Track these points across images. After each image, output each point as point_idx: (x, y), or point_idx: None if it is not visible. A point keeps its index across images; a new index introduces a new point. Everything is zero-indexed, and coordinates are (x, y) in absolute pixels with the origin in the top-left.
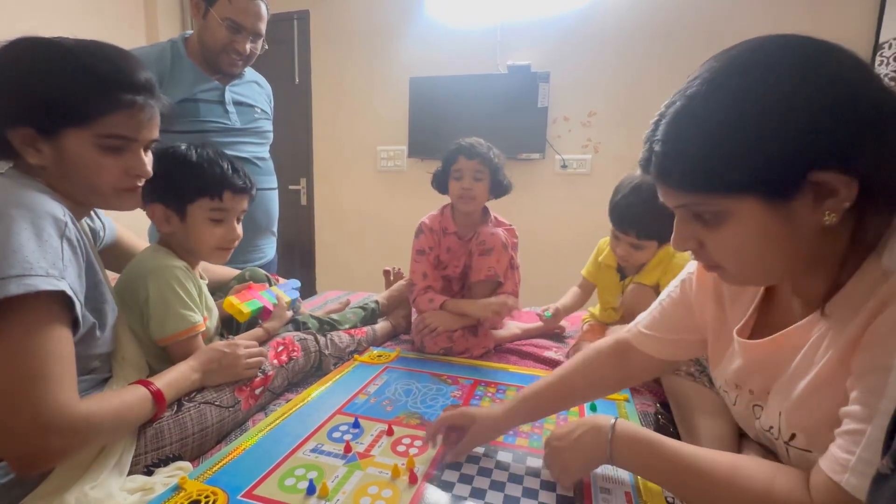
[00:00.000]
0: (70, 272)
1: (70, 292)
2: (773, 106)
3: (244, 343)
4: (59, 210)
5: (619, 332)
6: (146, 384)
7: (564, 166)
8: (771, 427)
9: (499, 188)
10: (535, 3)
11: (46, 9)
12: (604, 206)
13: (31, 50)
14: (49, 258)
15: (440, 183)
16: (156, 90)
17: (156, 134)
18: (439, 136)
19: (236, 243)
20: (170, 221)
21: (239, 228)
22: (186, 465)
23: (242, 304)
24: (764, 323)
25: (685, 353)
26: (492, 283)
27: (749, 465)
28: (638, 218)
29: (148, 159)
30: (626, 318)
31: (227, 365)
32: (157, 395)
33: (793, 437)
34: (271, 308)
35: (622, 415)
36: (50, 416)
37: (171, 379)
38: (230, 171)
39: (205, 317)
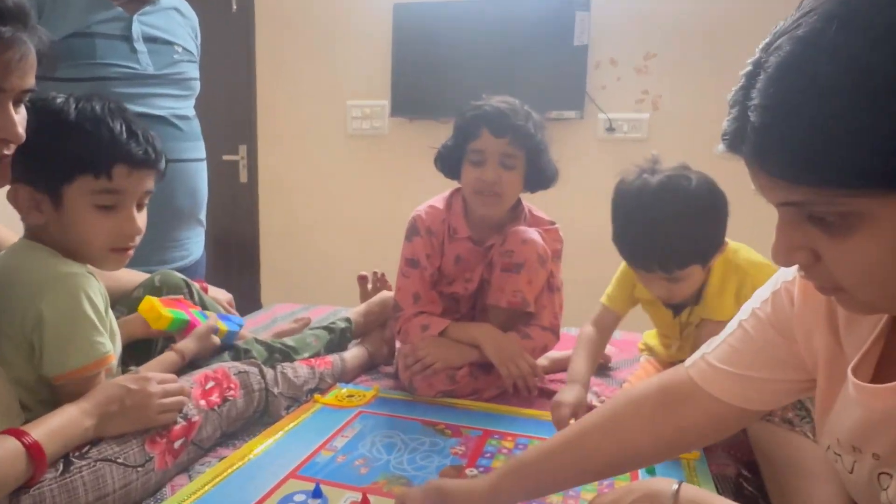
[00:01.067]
0: None
1: None
2: None
3: (157, 376)
4: None
5: (668, 370)
6: (17, 434)
7: (611, 129)
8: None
9: (538, 179)
10: None
11: None
12: None
13: None
14: None
15: (449, 165)
16: (29, 20)
17: (30, 82)
18: (434, 88)
19: (137, 240)
20: (40, 208)
21: (141, 218)
22: None
23: (164, 308)
24: (892, 360)
25: (775, 400)
26: (515, 312)
27: None
28: (655, 250)
29: (20, 117)
30: None
31: (133, 406)
32: (34, 450)
33: None
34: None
35: (690, 480)
36: None
37: (53, 427)
38: (124, 135)
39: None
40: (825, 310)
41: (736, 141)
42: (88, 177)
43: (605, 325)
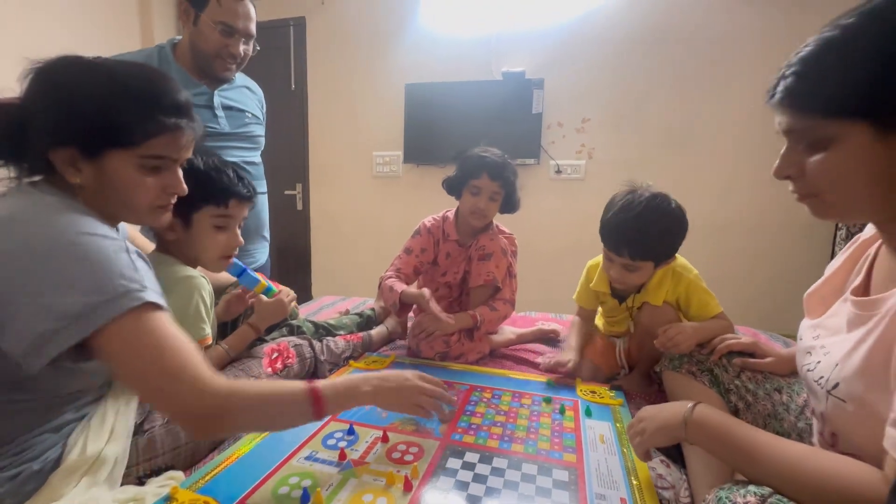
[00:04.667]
0: (149, 281)
1: (159, 300)
2: None
3: (428, 378)
4: (111, 231)
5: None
6: (309, 382)
7: (559, 172)
8: (822, 377)
9: (509, 206)
10: (528, 12)
11: (42, 11)
12: (598, 211)
13: (75, 70)
14: (128, 275)
15: (452, 188)
16: (193, 111)
17: (191, 153)
18: (435, 142)
19: (237, 251)
20: (174, 229)
21: (240, 235)
22: (178, 474)
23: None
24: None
25: None
26: (490, 287)
27: (819, 455)
28: (631, 237)
29: (181, 176)
30: (642, 340)
31: (402, 388)
32: (314, 396)
33: (836, 386)
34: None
35: (616, 419)
36: (203, 384)
37: (338, 384)
38: (236, 179)
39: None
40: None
41: (773, 91)
42: (212, 206)
43: (583, 315)
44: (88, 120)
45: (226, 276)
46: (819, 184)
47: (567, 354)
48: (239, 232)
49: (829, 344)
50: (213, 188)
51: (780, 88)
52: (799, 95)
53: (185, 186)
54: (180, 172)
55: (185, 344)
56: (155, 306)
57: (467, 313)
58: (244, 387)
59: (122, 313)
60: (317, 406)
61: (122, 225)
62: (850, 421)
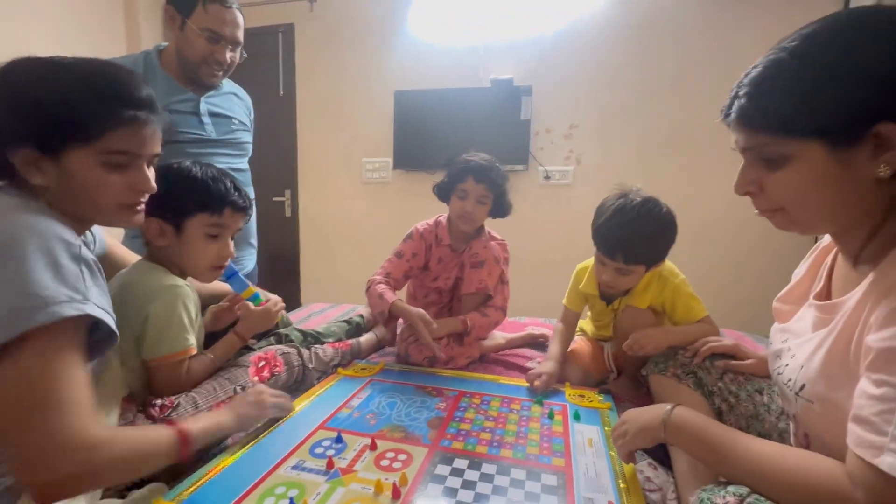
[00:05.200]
0: (94, 293)
1: (99, 312)
2: (851, 62)
3: (268, 390)
4: (69, 234)
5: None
6: (170, 424)
7: (547, 177)
8: (790, 379)
9: (499, 211)
10: (516, 21)
11: (25, 16)
12: (586, 216)
13: (31, 69)
14: (70, 283)
15: (442, 194)
16: (156, 105)
17: (158, 149)
18: (424, 149)
19: (228, 261)
20: (165, 235)
21: (232, 246)
22: (161, 486)
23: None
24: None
25: None
26: (482, 295)
27: (791, 453)
28: (625, 241)
29: (151, 175)
30: (621, 341)
31: (253, 401)
32: (182, 439)
33: (802, 387)
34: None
35: (605, 423)
36: (65, 438)
37: (202, 425)
38: (232, 189)
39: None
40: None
41: (727, 111)
42: (206, 214)
43: (568, 319)
44: (43, 116)
45: (219, 287)
46: (779, 200)
47: (544, 366)
48: (231, 243)
49: (794, 346)
50: (209, 195)
51: (734, 108)
52: (753, 116)
53: (153, 184)
54: (151, 171)
55: (74, 383)
56: (73, 324)
57: (457, 318)
58: (116, 434)
59: (37, 326)
60: (185, 448)
61: (101, 235)
62: (819, 421)
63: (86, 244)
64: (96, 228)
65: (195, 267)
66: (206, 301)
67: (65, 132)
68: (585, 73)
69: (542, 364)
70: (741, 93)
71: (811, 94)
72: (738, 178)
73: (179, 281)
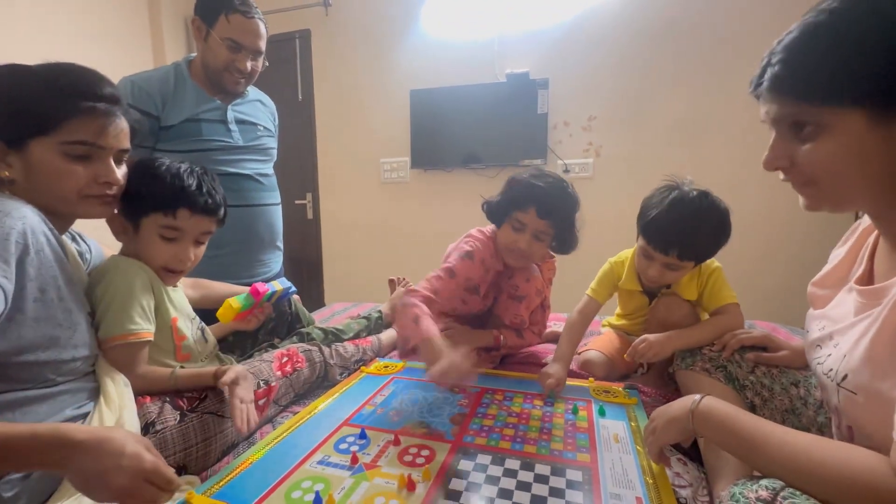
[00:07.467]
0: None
1: None
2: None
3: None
4: (25, 211)
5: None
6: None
7: (567, 171)
8: (831, 369)
9: (563, 247)
10: (530, 13)
11: (51, 33)
12: (608, 208)
13: (2, 74)
14: None
15: (493, 215)
16: (121, 102)
17: (125, 144)
18: (441, 147)
19: (188, 266)
20: (126, 232)
21: (195, 252)
22: (194, 479)
23: (234, 298)
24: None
25: None
26: (515, 328)
27: (826, 444)
28: (683, 237)
29: (121, 171)
30: (654, 331)
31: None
32: None
33: (845, 377)
34: (265, 290)
35: (631, 418)
36: None
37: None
38: (194, 188)
39: (181, 332)
40: None
41: (758, 80)
42: (159, 214)
43: (588, 311)
44: (7, 112)
45: (222, 288)
46: (811, 173)
47: (552, 368)
48: (196, 249)
49: (836, 335)
50: (163, 194)
51: (766, 77)
52: (788, 83)
53: (118, 176)
54: (121, 167)
55: None
56: None
57: (491, 332)
58: None
59: None
60: None
61: (97, 246)
62: (863, 413)
63: (80, 253)
64: (92, 240)
65: (151, 267)
66: (210, 304)
67: (26, 124)
68: (603, 63)
69: (550, 366)
70: (774, 60)
71: (854, 59)
72: (768, 153)
73: (137, 265)
